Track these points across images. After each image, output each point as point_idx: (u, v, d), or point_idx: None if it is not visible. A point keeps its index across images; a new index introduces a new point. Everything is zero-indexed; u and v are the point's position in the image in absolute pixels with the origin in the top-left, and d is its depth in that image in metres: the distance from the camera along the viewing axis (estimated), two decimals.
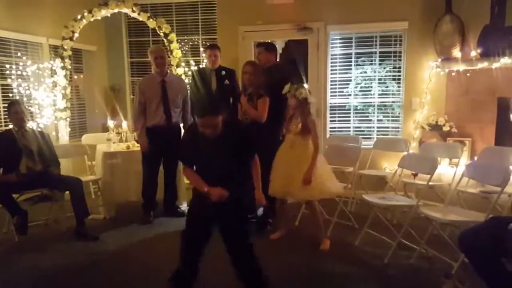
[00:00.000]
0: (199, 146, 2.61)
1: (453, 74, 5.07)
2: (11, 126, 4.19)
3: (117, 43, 6.66)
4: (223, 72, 4.95)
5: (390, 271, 3.29)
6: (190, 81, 5.28)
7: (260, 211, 4.53)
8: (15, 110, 4.07)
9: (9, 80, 5.28)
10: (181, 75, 5.46)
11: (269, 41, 6.74)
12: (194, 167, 2.74)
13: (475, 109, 4.99)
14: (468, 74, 4.96)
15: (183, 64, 5.64)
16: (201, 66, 5.86)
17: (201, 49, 6.24)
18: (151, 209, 4.59)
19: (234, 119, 4.00)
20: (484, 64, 4.76)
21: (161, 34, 5.49)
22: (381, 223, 3.91)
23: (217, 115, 2.50)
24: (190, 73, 5.56)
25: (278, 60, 4.88)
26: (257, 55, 4.65)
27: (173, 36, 5.48)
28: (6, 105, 4.60)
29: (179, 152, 2.81)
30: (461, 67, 4.96)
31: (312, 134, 3.78)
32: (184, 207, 4.78)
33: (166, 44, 5.50)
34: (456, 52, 4.98)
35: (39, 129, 4.64)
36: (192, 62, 6.09)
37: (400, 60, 5.53)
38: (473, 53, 4.83)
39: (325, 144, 5.16)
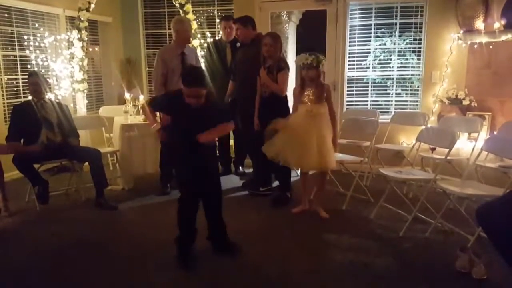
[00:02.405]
0: (181, 111, 2.82)
1: (475, 46, 4.93)
2: (30, 98, 4.24)
3: (133, 14, 6.61)
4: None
5: (405, 244, 3.29)
6: (205, 52, 5.24)
7: (276, 183, 4.55)
8: (34, 81, 4.11)
9: (27, 52, 5.32)
10: (196, 47, 5.41)
11: (280, 12, 6.66)
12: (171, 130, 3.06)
13: (496, 83, 4.88)
14: (490, 47, 4.82)
15: (198, 35, 5.59)
16: (217, 38, 5.79)
17: (217, 20, 6.18)
18: (168, 181, 4.64)
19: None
20: (508, 36, 4.63)
21: (177, 4, 5.43)
22: (397, 197, 3.91)
23: (203, 87, 2.75)
24: (205, 45, 5.51)
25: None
26: (236, 32, 4.62)
27: (188, 7, 5.42)
28: (24, 76, 4.64)
29: (156, 98, 2.97)
30: (484, 39, 4.82)
31: (329, 101, 3.81)
32: None
33: (182, 15, 5.44)
34: (479, 24, 4.83)
35: (57, 101, 4.69)
36: (208, 34, 6.04)
37: (420, 31, 5.37)
38: (497, 25, 4.68)
39: (342, 118, 5.12)
